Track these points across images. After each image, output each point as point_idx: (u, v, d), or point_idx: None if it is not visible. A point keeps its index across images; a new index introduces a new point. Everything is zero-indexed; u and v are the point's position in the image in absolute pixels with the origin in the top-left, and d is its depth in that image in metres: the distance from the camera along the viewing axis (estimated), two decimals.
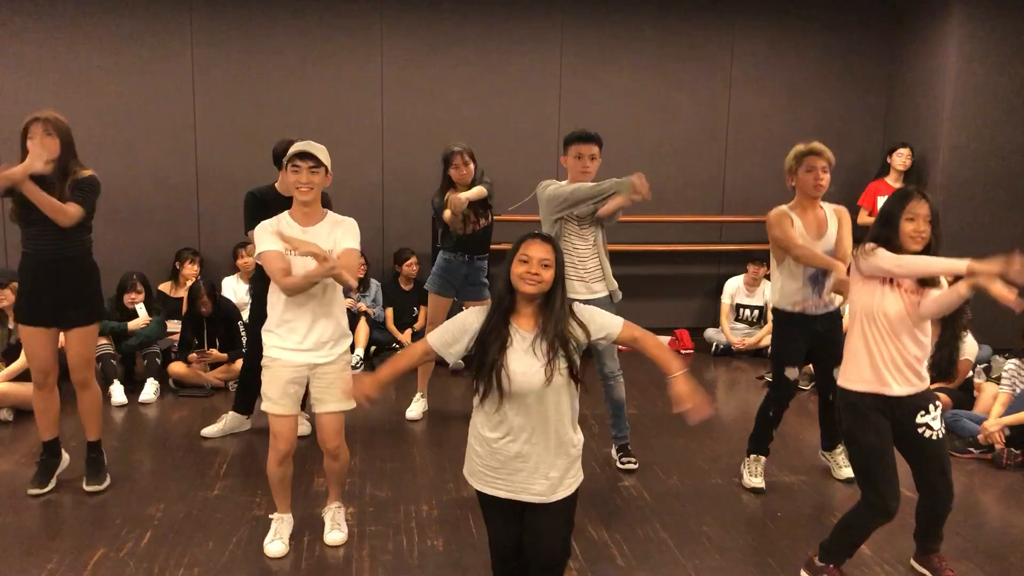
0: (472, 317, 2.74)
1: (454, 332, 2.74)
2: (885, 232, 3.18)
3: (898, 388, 3.19)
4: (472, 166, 5.27)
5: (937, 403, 3.27)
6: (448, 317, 4.75)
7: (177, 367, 6.03)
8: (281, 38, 7.38)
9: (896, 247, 3.14)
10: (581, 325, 2.69)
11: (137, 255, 7.07)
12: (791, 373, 4.35)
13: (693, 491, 4.43)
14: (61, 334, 4.15)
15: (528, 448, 2.66)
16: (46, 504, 4.10)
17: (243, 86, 7.37)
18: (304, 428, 5.29)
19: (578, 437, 2.80)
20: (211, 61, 7.31)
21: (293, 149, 3.45)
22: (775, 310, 4.44)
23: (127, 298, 6.23)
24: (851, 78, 8.18)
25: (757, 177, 8.16)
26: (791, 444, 5.14)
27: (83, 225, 4.03)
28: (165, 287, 6.96)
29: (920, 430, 3.22)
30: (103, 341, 6.13)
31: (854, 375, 3.26)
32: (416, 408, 5.57)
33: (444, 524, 3.93)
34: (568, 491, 2.74)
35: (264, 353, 3.53)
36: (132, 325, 6.18)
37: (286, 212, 3.54)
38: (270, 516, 3.78)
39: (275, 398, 3.50)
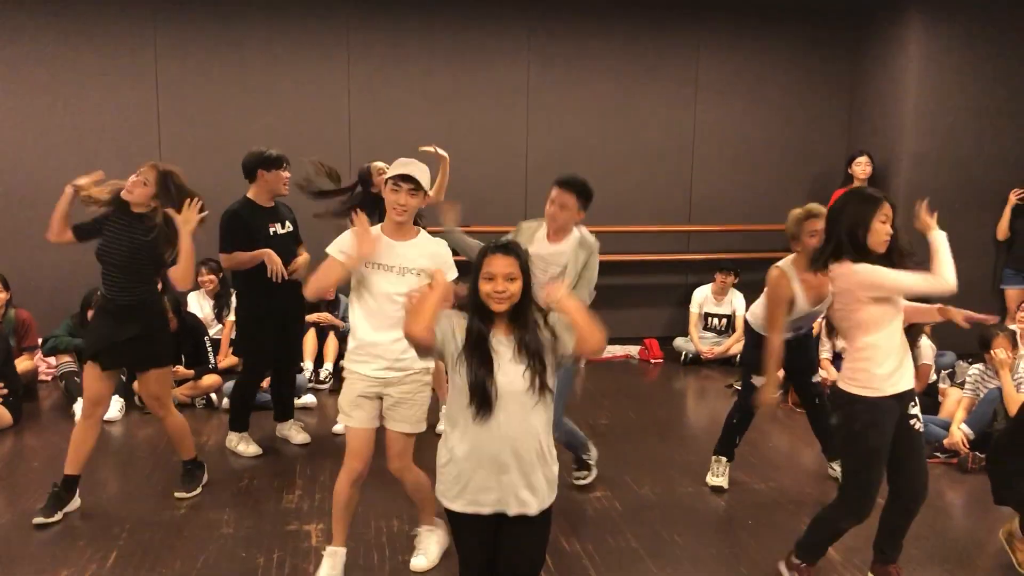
0: (455, 325, 2.60)
1: (445, 335, 2.60)
2: (853, 239, 3.15)
3: (904, 384, 3.23)
4: None
5: (915, 395, 3.35)
6: None
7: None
8: (247, 47, 7.33)
9: (864, 253, 3.15)
10: (554, 335, 2.60)
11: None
12: (759, 381, 4.38)
13: (664, 500, 4.43)
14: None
15: (513, 460, 2.57)
16: (5, 526, 4.01)
17: (208, 97, 7.30)
18: (302, 437, 5.28)
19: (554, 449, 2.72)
20: (175, 72, 7.24)
21: (394, 170, 3.35)
22: (753, 327, 4.47)
23: (91, 314, 6.13)
24: (814, 87, 8.28)
25: (724, 186, 8.23)
26: (761, 451, 5.17)
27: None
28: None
29: (911, 421, 3.27)
30: (67, 358, 6.04)
31: (867, 380, 3.19)
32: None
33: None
34: (549, 503, 2.67)
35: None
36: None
37: (379, 226, 3.45)
38: (322, 552, 3.61)
39: (347, 410, 3.46)
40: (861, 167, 7.36)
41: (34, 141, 7.03)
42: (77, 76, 7.09)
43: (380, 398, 3.44)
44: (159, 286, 4.24)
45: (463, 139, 7.72)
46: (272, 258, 4.70)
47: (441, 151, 4.66)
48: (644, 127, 8.07)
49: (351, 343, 3.49)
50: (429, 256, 3.38)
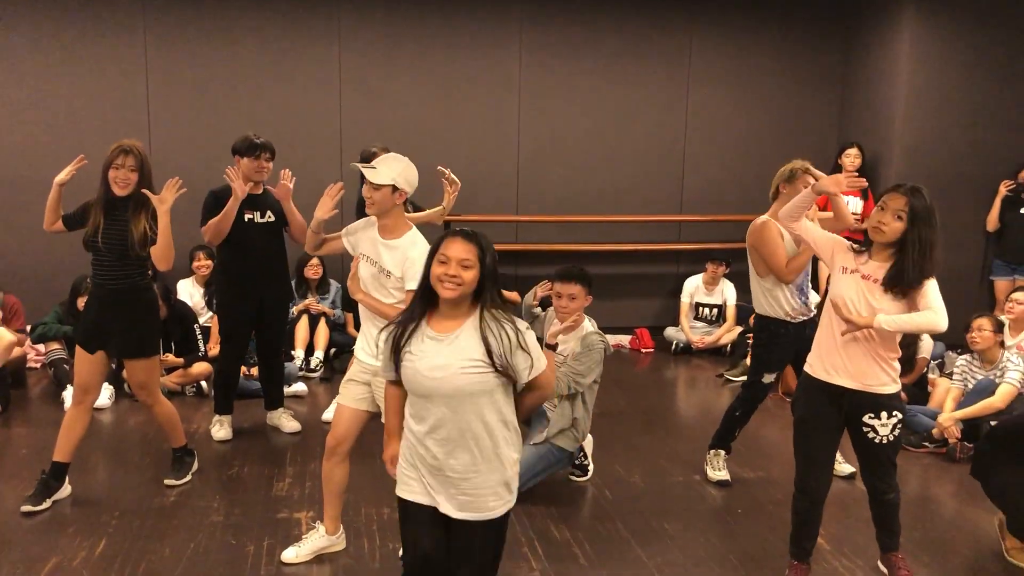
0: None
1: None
2: None
3: (838, 379, 3.28)
4: None
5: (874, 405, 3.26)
6: None
7: None
8: (237, 37, 7.28)
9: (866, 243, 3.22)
10: (513, 346, 2.45)
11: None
12: (768, 379, 4.40)
13: (654, 489, 4.45)
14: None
15: (455, 456, 2.45)
16: None
17: (198, 86, 7.26)
18: (292, 425, 5.30)
19: (513, 455, 2.54)
20: (165, 59, 7.19)
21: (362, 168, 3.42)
22: (765, 318, 4.40)
23: (80, 302, 6.09)
24: (806, 78, 8.29)
25: (715, 177, 8.23)
26: (750, 441, 5.19)
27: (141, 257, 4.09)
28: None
29: (864, 430, 3.27)
30: (55, 346, 6.01)
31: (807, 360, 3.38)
32: None
33: None
34: (500, 512, 2.52)
35: None
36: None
37: (375, 217, 3.48)
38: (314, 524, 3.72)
39: (340, 388, 3.54)
40: (851, 159, 7.36)
41: (22, 128, 6.98)
42: (66, 63, 7.03)
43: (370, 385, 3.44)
44: (149, 272, 4.21)
45: (455, 130, 7.70)
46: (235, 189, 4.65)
47: (454, 178, 4.66)
48: (636, 117, 8.06)
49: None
50: (400, 263, 3.36)
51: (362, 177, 5.13)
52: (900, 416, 3.25)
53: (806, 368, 3.33)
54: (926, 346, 5.72)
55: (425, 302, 2.50)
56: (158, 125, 7.19)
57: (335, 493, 3.59)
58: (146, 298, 4.18)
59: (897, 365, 3.25)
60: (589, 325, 4.30)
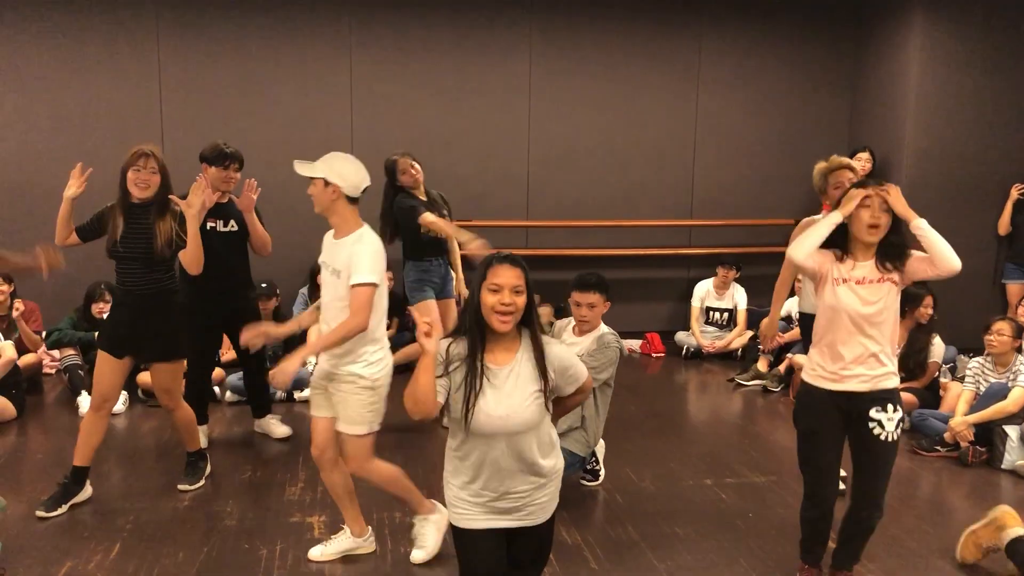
0: (442, 347, 2.48)
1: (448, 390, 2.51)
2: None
3: (846, 384, 3.21)
4: (420, 168, 5.31)
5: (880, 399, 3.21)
6: None
7: (146, 377, 5.95)
8: (249, 42, 7.34)
9: (845, 241, 3.17)
10: (565, 366, 2.51)
11: (104, 264, 6.99)
12: None
13: (665, 493, 4.45)
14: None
15: (515, 482, 2.50)
16: (11, 518, 4.03)
17: (210, 96, 7.31)
18: (282, 431, 5.29)
19: (550, 463, 2.57)
20: (178, 71, 7.25)
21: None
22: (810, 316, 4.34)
23: (95, 308, 6.16)
24: (816, 82, 8.29)
25: (726, 181, 8.24)
26: (760, 445, 5.19)
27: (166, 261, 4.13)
28: None
29: (871, 425, 3.17)
30: (70, 352, 6.05)
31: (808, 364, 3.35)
32: None
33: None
34: (552, 511, 2.65)
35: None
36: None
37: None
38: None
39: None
40: (861, 163, 7.36)
41: (37, 134, 7.05)
42: (80, 70, 7.10)
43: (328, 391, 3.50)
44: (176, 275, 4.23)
45: (465, 134, 7.73)
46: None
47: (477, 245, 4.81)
48: (646, 122, 8.07)
49: None
50: (346, 260, 3.32)
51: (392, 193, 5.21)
52: (903, 414, 3.19)
53: (806, 378, 3.27)
54: (937, 350, 5.72)
55: (477, 335, 2.44)
56: (171, 133, 7.24)
57: (343, 496, 3.63)
58: (175, 301, 4.21)
59: (895, 360, 3.20)
60: (605, 328, 4.31)
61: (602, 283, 4.23)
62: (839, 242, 3.17)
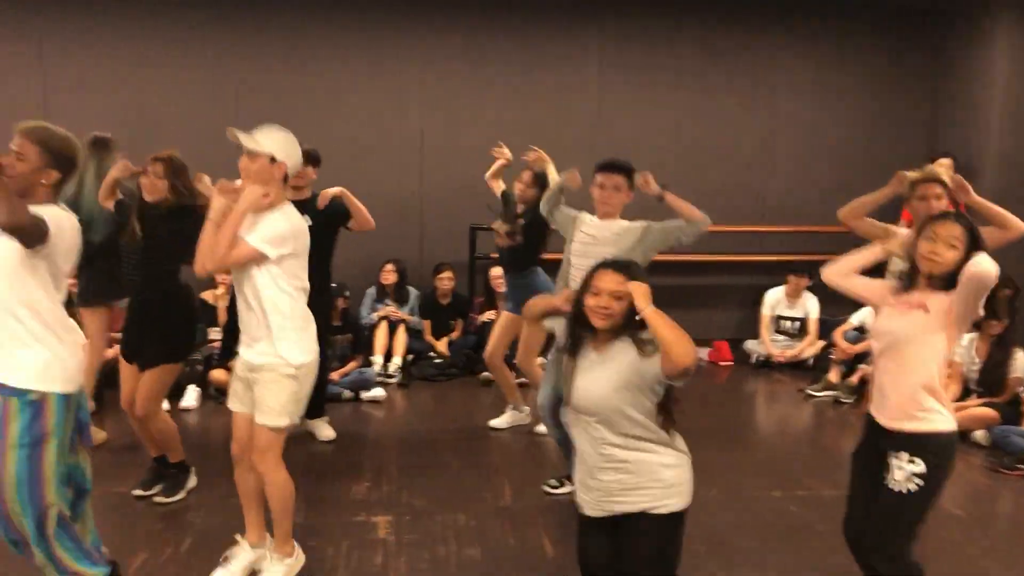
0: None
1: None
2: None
3: (879, 415, 2.96)
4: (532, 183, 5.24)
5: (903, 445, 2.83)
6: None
7: (218, 374, 6.09)
8: (323, 50, 7.47)
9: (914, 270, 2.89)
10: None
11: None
12: None
13: (732, 503, 4.37)
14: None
15: (616, 467, 2.62)
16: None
17: (284, 98, 7.45)
18: (328, 433, 5.32)
19: (666, 459, 2.72)
20: (252, 73, 7.41)
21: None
22: None
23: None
24: (896, 86, 8.08)
25: (799, 187, 8.08)
26: (832, 457, 5.06)
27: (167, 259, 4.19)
28: (207, 295, 7.04)
29: (885, 474, 2.86)
30: None
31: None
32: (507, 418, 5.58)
33: (481, 534, 3.92)
34: (667, 508, 2.67)
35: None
36: None
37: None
38: (236, 537, 3.56)
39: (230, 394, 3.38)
40: (943, 170, 7.11)
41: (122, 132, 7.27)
42: (157, 76, 7.31)
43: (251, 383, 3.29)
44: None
45: (533, 140, 7.70)
46: None
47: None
48: (717, 125, 7.97)
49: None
50: (263, 225, 3.17)
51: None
52: (928, 468, 2.73)
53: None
54: (1019, 365, 5.51)
55: (582, 329, 2.61)
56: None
57: (256, 498, 3.46)
58: (171, 301, 4.26)
59: (936, 402, 2.79)
60: (624, 222, 4.17)
61: (628, 167, 4.14)
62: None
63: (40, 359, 2.77)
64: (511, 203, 5.40)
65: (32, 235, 2.65)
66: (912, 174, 4.07)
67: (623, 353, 2.56)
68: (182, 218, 4.03)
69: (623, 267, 2.56)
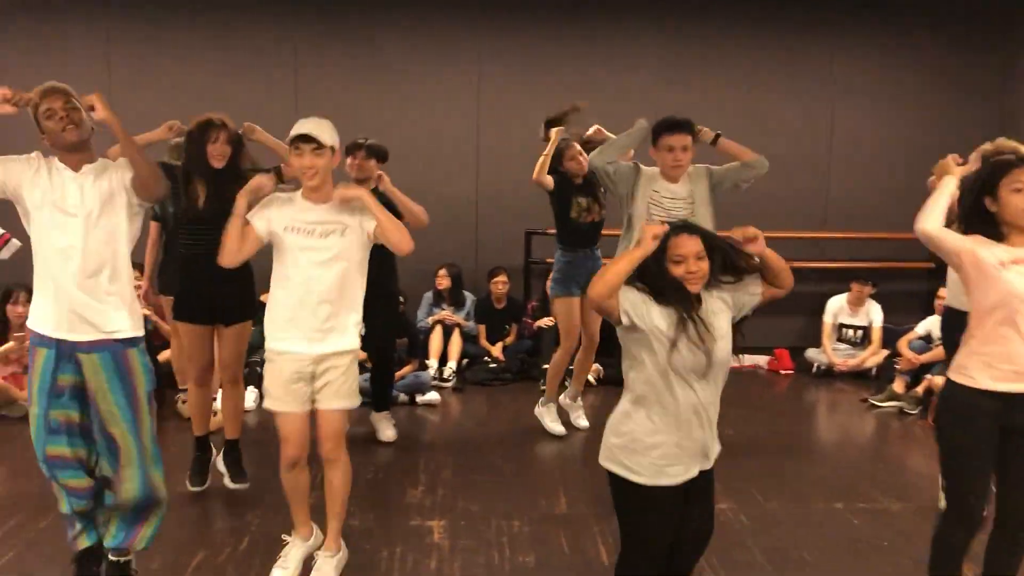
0: (641, 300, 2.56)
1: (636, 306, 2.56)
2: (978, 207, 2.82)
3: (1007, 384, 2.83)
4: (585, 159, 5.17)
5: None
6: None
7: None
8: (381, 54, 7.53)
9: (995, 227, 2.79)
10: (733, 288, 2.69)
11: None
12: None
13: (793, 515, 4.27)
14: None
15: (706, 422, 2.63)
16: None
17: (343, 101, 7.53)
18: (390, 433, 5.34)
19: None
20: (314, 78, 7.51)
21: (294, 130, 3.16)
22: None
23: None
24: (962, 88, 7.86)
25: (862, 192, 7.91)
26: (897, 471, 4.93)
27: None
28: (267, 297, 7.13)
29: None
30: None
31: (957, 365, 2.92)
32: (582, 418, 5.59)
33: (535, 540, 3.89)
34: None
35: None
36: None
37: (298, 192, 3.33)
38: (284, 538, 3.61)
39: (279, 395, 3.31)
40: None
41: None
42: (217, 74, 7.45)
43: (312, 378, 3.29)
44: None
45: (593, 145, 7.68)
46: None
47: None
48: (776, 128, 7.84)
49: (270, 320, 3.33)
50: (349, 213, 3.24)
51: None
52: None
53: (960, 380, 2.87)
54: None
55: (684, 298, 2.56)
56: None
57: (301, 498, 3.54)
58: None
59: None
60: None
61: (691, 123, 4.11)
62: (981, 230, 2.83)
63: (136, 306, 3.15)
64: (591, 181, 5.27)
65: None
66: (987, 146, 3.92)
67: (715, 303, 2.63)
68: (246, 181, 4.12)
69: (693, 228, 2.61)
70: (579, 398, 5.60)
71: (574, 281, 5.25)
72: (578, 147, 5.23)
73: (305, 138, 3.13)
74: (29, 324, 3.11)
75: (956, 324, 3.71)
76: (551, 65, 7.63)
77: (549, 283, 5.48)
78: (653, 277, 2.56)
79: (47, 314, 3.04)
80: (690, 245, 2.55)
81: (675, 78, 7.71)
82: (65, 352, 3.02)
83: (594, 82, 7.67)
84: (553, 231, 5.50)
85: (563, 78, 7.64)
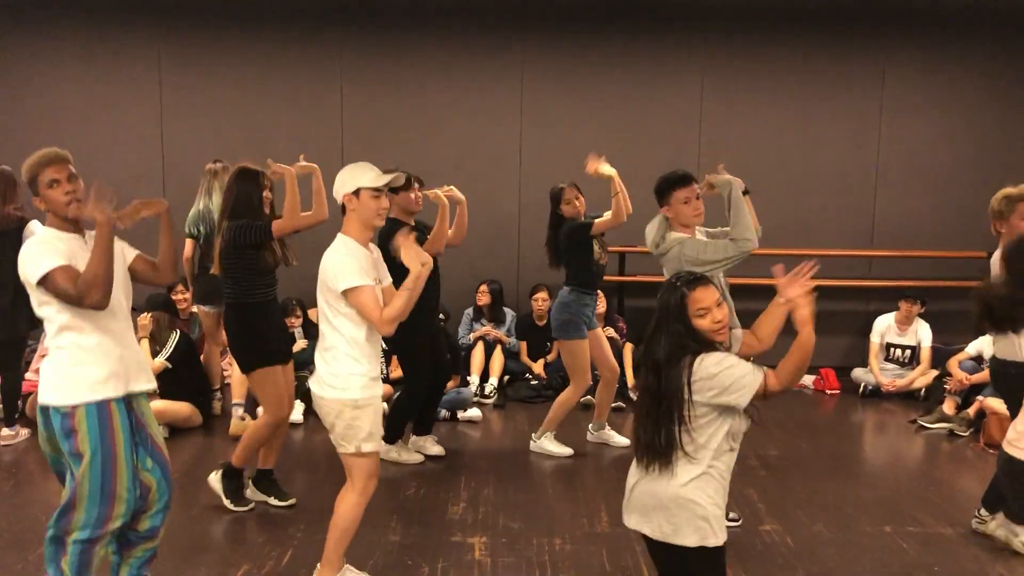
0: None
1: None
2: None
3: None
4: (583, 200, 5.30)
5: None
6: None
7: None
8: (424, 71, 7.60)
9: None
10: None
11: (298, 280, 7.24)
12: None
13: (840, 539, 4.19)
14: None
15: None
16: (196, 519, 4.27)
17: (385, 117, 7.61)
18: (436, 449, 5.37)
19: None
20: (358, 97, 7.60)
21: (383, 179, 3.47)
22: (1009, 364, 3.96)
23: (287, 322, 6.40)
24: (1013, 104, 7.71)
25: (910, 210, 7.78)
26: (947, 494, 4.81)
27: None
28: (314, 313, 7.20)
29: None
30: None
31: None
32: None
33: (577, 559, 3.87)
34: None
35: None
36: (293, 348, 6.32)
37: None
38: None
39: (379, 436, 3.45)
40: None
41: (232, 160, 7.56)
42: (264, 98, 7.56)
43: None
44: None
45: (635, 161, 7.65)
46: None
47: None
48: (824, 145, 7.76)
49: (363, 370, 3.31)
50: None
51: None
52: None
53: (1013, 454, 2.89)
54: None
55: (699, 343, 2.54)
56: (352, 158, 7.57)
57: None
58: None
59: None
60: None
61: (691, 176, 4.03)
62: None
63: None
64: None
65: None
66: (1013, 190, 3.89)
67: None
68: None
69: (704, 279, 2.56)
70: (605, 426, 5.61)
71: (584, 323, 5.27)
72: (576, 191, 5.26)
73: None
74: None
75: (1007, 374, 3.70)
76: (594, 80, 7.63)
77: (555, 324, 5.35)
78: (681, 337, 2.49)
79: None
80: (709, 295, 2.52)
81: (720, 95, 7.67)
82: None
83: (638, 98, 7.67)
84: None
85: (606, 94, 7.65)
